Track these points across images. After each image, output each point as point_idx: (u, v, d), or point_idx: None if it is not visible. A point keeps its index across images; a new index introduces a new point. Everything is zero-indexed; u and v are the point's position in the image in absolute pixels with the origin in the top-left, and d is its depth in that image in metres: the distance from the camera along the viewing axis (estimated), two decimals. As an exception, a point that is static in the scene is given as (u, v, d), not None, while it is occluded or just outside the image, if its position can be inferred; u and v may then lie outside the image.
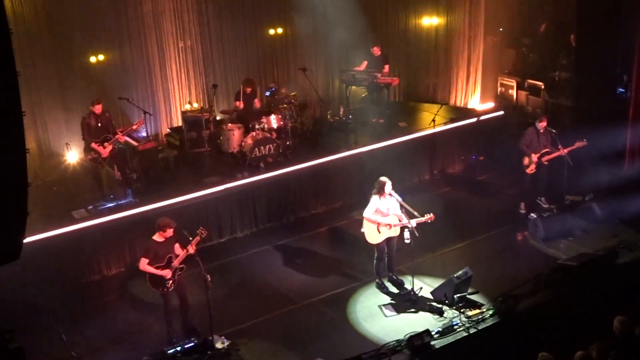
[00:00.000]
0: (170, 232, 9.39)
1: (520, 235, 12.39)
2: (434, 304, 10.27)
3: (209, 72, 14.85)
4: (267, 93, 14.41)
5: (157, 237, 9.44)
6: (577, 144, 12.35)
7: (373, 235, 10.43)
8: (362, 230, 10.54)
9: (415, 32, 16.72)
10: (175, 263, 9.42)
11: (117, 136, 11.83)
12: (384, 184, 10.27)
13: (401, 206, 10.32)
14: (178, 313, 9.86)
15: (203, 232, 9.54)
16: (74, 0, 13.03)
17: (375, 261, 10.72)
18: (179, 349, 9.28)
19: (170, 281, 9.46)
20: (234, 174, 12.78)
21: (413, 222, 10.14)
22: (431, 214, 10.21)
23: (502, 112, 15.44)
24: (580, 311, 9.92)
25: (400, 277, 10.87)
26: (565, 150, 12.32)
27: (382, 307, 10.40)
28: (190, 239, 9.47)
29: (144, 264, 9.39)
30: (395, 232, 10.41)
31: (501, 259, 11.59)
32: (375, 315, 10.24)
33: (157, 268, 9.37)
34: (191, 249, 9.40)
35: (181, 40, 14.46)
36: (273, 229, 12.83)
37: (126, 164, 12.51)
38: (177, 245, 9.53)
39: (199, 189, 12.18)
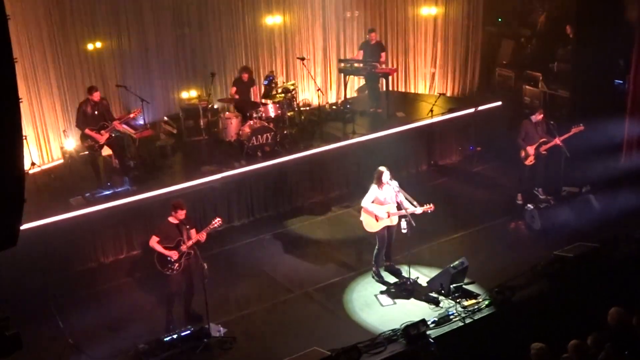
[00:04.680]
0: (182, 213, 9.43)
1: (516, 226, 12.41)
2: (430, 293, 10.30)
3: (206, 60, 14.81)
4: (265, 82, 14.39)
5: (171, 219, 9.50)
6: (574, 130, 12.34)
7: (371, 224, 10.45)
8: (360, 219, 10.57)
9: (414, 22, 16.68)
10: (184, 247, 9.47)
11: (114, 123, 11.80)
12: (381, 173, 10.28)
13: (401, 195, 10.34)
14: (181, 298, 9.89)
15: (218, 222, 9.62)
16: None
17: (376, 250, 10.72)
18: (175, 336, 9.31)
19: (177, 264, 9.51)
20: (231, 162, 12.78)
21: (418, 210, 10.15)
22: (431, 205, 10.24)
23: (499, 103, 15.43)
24: (577, 302, 9.94)
25: (397, 267, 10.89)
26: (562, 138, 12.32)
27: (379, 296, 10.43)
28: (195, 227, 9.55)
29: (153, 242, 9.49)
30: (393, 221, 10.42)
31: (497, 250, 11.60)
32: (372, 305, 10.27)
33: (165, 248, 9.44)
34: (202, 236, 9.49)
35: (179, 28, 14.42)
36: (270, 218, 12.84)
37: (124, 152, 12.50)
38: (193, 231, 9.60)
39: (196, 178, 12.19)
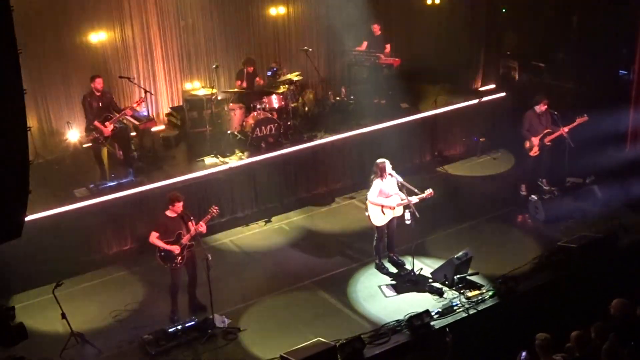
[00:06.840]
0: (179, 206, 9.41)
1: (520, 217, 12.40)
2: (434, 284, 10.31)
3: (210, 51, 14.79)
4: (269, 73, 14.37)
5: (169, 212, 9.49)
6: (578, 120, 12.30)
7: (378, 217, 10.44)
8: (367, 213, 10.53)
9: (418, 13, 16.62)
10: (185, 240, 9.47)
11: (119, 114, 11.80)
12: (384, 165, 10.27)
13: (402, 185, 10.34)
14: (184, 290, 9.91)
15: (215, 210, 9.59)
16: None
17: (375, 241, 10.75)
18: (179, 327, 9.34)
19: (179, 257, 9.51)
20: (235, 153, 12.77)
21: (414, 199, 10.16)
22: (430, 190, 10.24)
23: (503, 94, 15.40)
24: (580, 293, 9.95)
25: (401, 258, 10.91)
26: (567, 129, 12.30)
27: (382, 287, 10.44)
28: (192, 218, 9.52)
29: (153, 238, 9.45)
30: (398, 212, 10.42)
31: (501, 241, 11.62)
32: (375, 296, 10.29)
33: (166, 243, 9.43)
34: (202, 227, 9.46)
35: (183, 19, 14.39)
36: (273, 209, 12.84)
37: (128, 143, 12.50)
38: (190, 223, 9.58)
39: (199, 169, 12.20)
